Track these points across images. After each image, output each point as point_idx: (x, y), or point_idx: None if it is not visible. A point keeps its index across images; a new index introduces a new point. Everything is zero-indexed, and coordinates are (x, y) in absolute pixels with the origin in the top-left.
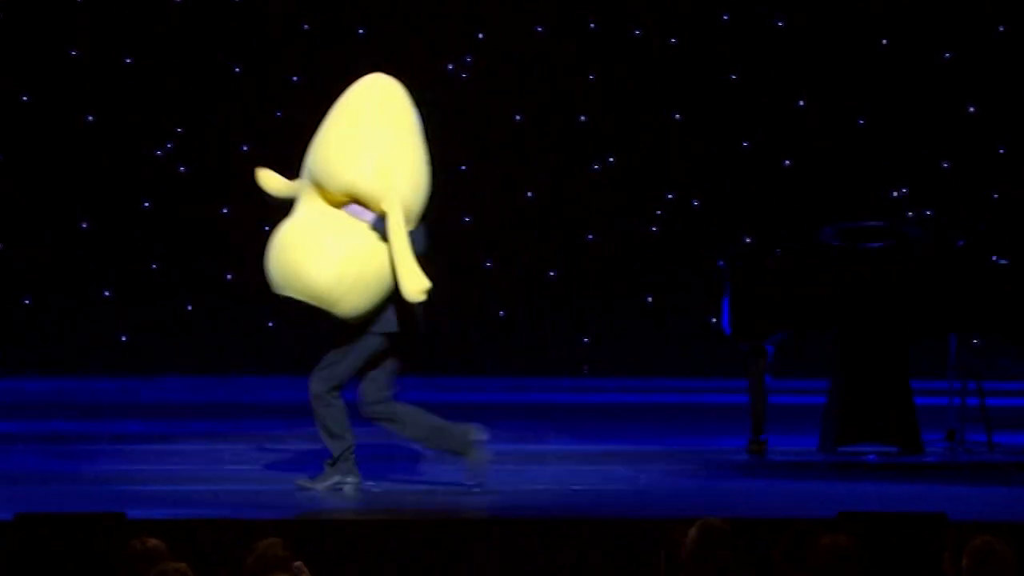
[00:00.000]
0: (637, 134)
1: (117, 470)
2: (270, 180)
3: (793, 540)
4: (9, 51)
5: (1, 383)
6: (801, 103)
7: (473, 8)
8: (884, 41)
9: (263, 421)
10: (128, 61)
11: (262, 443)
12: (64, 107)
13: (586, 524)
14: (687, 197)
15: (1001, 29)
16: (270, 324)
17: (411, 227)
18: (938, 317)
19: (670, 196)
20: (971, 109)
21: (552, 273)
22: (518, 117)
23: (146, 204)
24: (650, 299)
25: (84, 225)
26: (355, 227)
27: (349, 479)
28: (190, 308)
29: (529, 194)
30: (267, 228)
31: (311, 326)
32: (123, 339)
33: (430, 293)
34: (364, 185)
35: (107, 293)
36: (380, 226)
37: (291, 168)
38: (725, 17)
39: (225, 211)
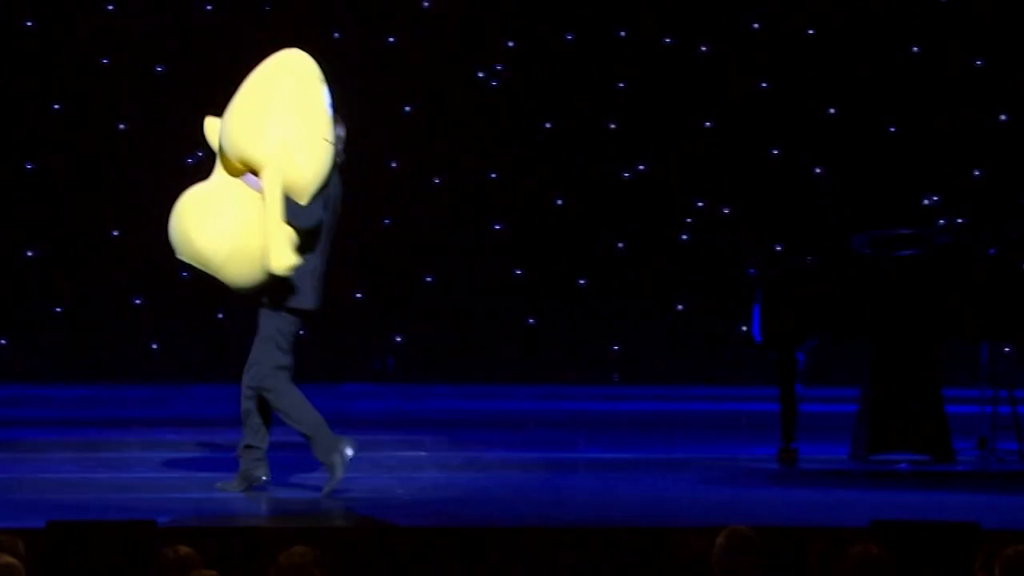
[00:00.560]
0: (667, 142)
1: (148, 478)
2: (212, 134)
3: (824, 549)
4: (40, 60)
5: (33, 391)
6: (832, 111)
7: (503, 16)
8: (915, 49)
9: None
10: (159, 69)
11: (292, 451)
12: (95, 115)
13: (616, 533)
14: (718, 205)
15: None
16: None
17: (304, 201)
18: (969, 325)
19: (700, 204)
20: (1003, 117)
21: (582, 281)
22: (548, 125)
23: None
24: (681, 307)
25: (115, 233)
26: (246, 197)
27: (347, 449)
28: (221, 316)
29: (559, 202)
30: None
31: (339, 334)
32: (154, 347)
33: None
34: (248, 153)
35: (138, 301)
36: None
37: None
38: (756, 25)
39: None
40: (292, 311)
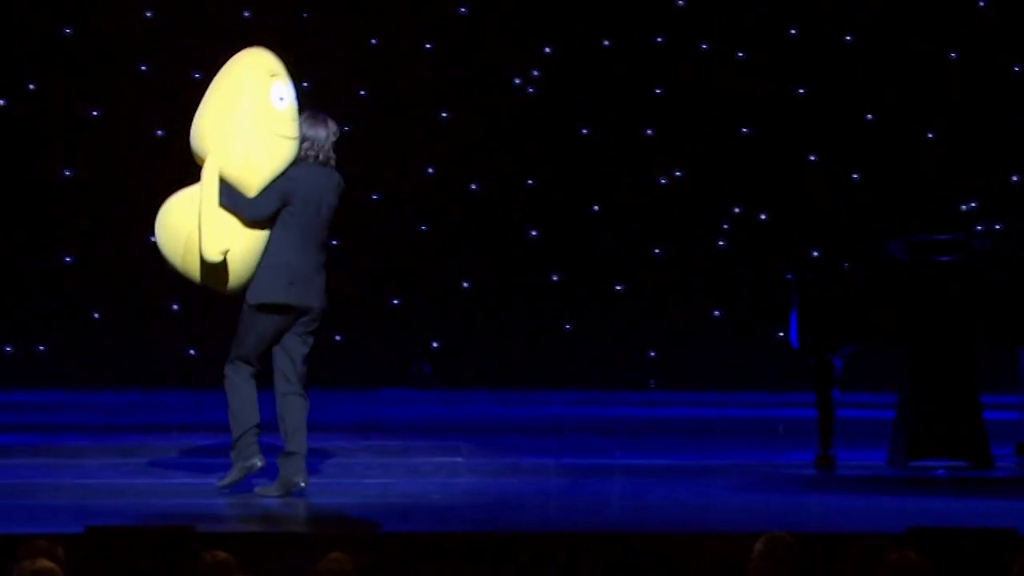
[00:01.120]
0: (704, 148)
1: (187, 483)
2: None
3: (861, 556)
4: (78, 66)
5: (72, 396)
6: (869, 117)
7: (540, 23)
8: (953, 55)
9: (329, 436)
10: (196, 76)
11: (329, 457)
12: (133, 122)
13: (652, 539)
14: (754, 211)
15: None
16: (337, 338)
17: (251, 192)
18: (1007, 331)
19: (737, 210)
20: None
21: (619, 287)
22: (585, 131)
23: None
24: (717, 313)
25: (153, 239)
26: (195, 194)
27: (254, 462)
28: None
29: (596, 208)
30: (334, 242)
31: (375, 340)
32: (192, 353)
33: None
34: (194, 148)
35: (176, 307)
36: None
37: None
38: (793, 32)
39: None
40: (261, 306)
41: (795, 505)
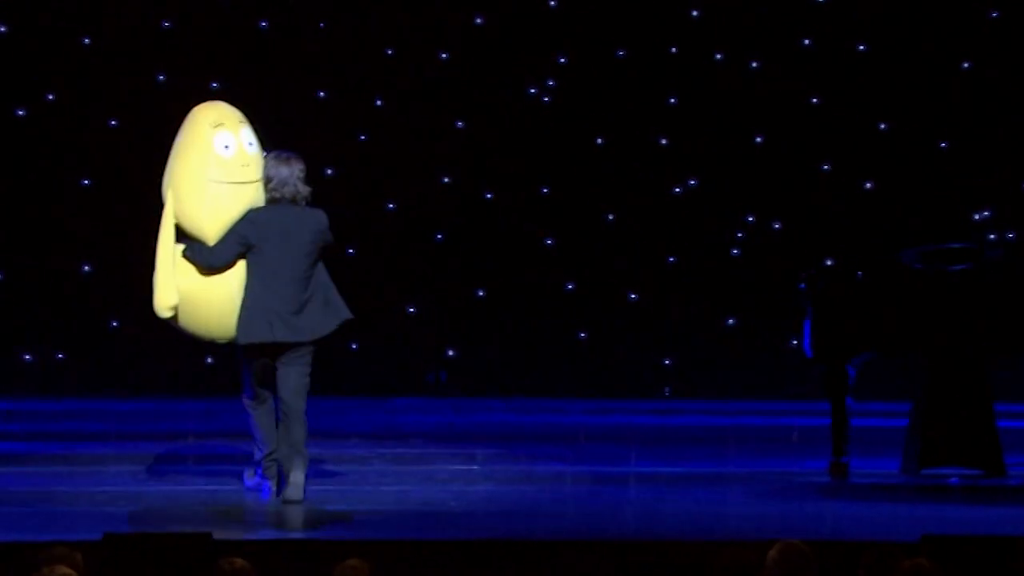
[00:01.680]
0: (718, 157)
1: (204, 491)
2: None
3: (875, 563)
4: (96, 77)
5: (91, 405)
6: (882, 126)
7: (555, 33)
8: (966, 64)
9: (346, 443)
10: (214, 86)
11: (346, 464)
12: (151, 132)
13: (667, 547)
14: (768, 220)
15: None
16: (353, 346)
17: (211, 241)
18: (1021, 339)
19: (751, 219)
20: None
21: (633, 295)
22: (599, 140)
23: None
24: (732, 321)
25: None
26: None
27: (269, 483)
28: None
29: (610, 217)
30: (351, 251)
31: (391, 349)
32: (209, 361)
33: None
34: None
35: None
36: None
37: (370, 191)
38: (806, 42)
39: None
40: (247, 346)
41: (809, 513)
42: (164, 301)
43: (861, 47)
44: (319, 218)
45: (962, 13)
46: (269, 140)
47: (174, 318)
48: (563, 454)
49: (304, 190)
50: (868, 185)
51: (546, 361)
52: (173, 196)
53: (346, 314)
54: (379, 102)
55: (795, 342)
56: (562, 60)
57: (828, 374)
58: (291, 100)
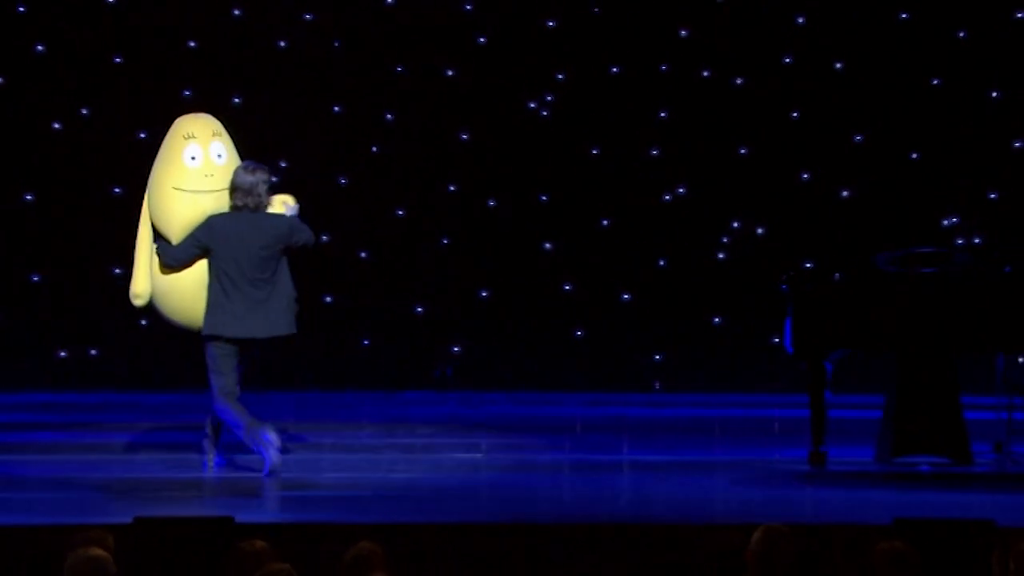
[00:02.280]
0: (705, 167)
1: (226, 478)
2: None
3: (851, 545)
4: (127, 93)
5: (122, 398)
6: (858, 138)
7: (554, 51)
8: (935, 81)
9: (359, 434)
10: (236, 101)
11: (359, 454)
12: None
13: (657, 530)
14: (752, 225)
15: None
16: (366, 343)
17: (175, 241)
18: (986, 337)
19: (736, 224)
20: (1016, 144)
21: (626, 296)
22: (595, 151)
23: None
24: (717, 320)
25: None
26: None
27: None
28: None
29: (605, 223)
30: (363, 254)
31: (401, 346)
32: None
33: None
34: None
35: None
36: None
37: (381, 198)
38: (787, 60)
39: (325, 238)
40: (208, 337)
41: (790, 498)
42: (135, 289)
43: (837, 65)
44: (276, 224)
45: (931, 34)
46: (286, 151)
47: (150, 306)
48: (561, 443)
49: (267, 199)
50: (845, 193)
51: (545, 357)
52: (147, 198)
53: (289, 329)
54: (389, 116)
55: (776, 339)
56: (560, 76)
57: (808, 369)
58: (308, 114)
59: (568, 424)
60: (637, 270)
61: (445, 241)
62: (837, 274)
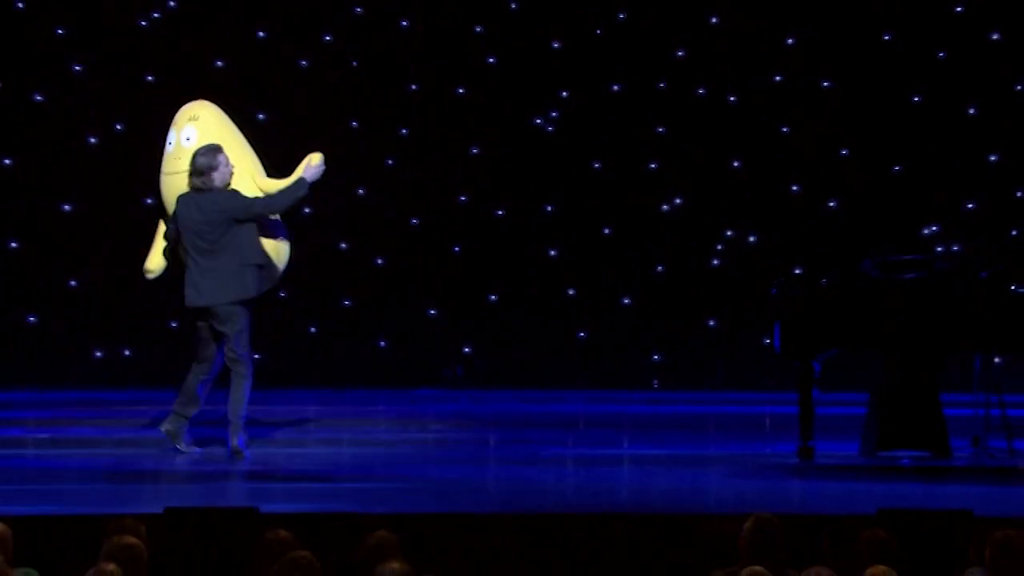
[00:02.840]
0: (701, 180)
1: (252, 470)
2: None
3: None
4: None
5: (153, 395)
6: (844, 152)
7: (558, 70)
8: (916, 98)
9: (375, 430)
10: (260, 117)
11: (374, 448)
12: None
13: (655, 519)
14: (745, 234)
15: (1019, 88)
16: (381, 344)
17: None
18: (965, 339)
19: (729, 233)
20: (992, 158)
21: (627, 300)
22: (597, 164)
23: None
24: (712, 322)
25: None
26: None
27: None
28: (313, 331)
29: (607, 231)
30: (379, 261)
31: (414, 345)
32: (256, 357)
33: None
34: None
35: None
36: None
37: (396, 208)
38: (778, 78)
39: (344, 246)
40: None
41: (780, 490)
42: (145, 264)
43: (825, 83)
44: (218, 199)
45: (912, 54)
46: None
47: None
48: (565, 438)
49: (216, 178)
50: (832, 204)
51: (550, 357)
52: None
53: (243, 293)
54: (404, 131)
55: (767, 340)
56: (564, 94)
57: (796, 368)
58: (327, 129)
59: (572, 420)
60: (637, 275)
61: (456, 248)
62: (825, 279)
